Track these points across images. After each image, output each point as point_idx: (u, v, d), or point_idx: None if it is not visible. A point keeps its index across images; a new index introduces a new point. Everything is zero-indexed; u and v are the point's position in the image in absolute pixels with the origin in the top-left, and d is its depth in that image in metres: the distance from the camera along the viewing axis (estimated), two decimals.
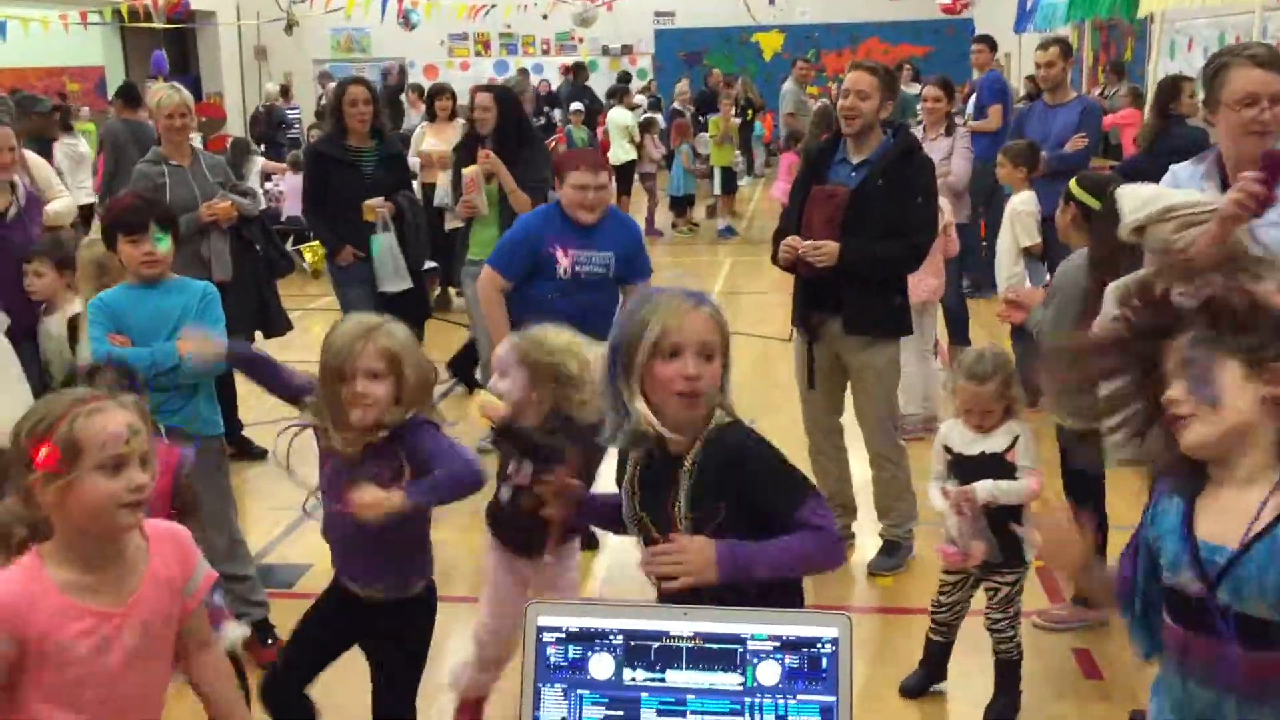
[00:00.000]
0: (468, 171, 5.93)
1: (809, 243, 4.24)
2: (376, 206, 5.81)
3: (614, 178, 13.34)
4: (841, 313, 4.34)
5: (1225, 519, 1.77)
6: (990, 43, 10.50)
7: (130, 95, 8.98)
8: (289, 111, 17.10)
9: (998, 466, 3.40)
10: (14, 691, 1.90)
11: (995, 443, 3.43)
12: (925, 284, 5.81)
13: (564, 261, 4.55)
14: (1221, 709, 1.80)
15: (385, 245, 5.84)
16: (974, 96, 10.44)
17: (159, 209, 3.79)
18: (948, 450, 3.52)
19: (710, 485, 2.10)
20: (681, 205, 13.45)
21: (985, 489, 3.34)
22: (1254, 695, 1.75)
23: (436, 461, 2.69)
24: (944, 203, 5.70)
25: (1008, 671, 3.52)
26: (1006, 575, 3.45)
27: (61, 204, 5.89)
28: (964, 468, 3.46)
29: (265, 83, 19.08)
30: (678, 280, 11.06)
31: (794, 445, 4.01)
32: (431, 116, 9.07)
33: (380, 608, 2.83)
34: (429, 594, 2.91)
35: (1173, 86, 6.84)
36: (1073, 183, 4.23)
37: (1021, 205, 6.03)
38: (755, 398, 6.02)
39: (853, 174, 4.33)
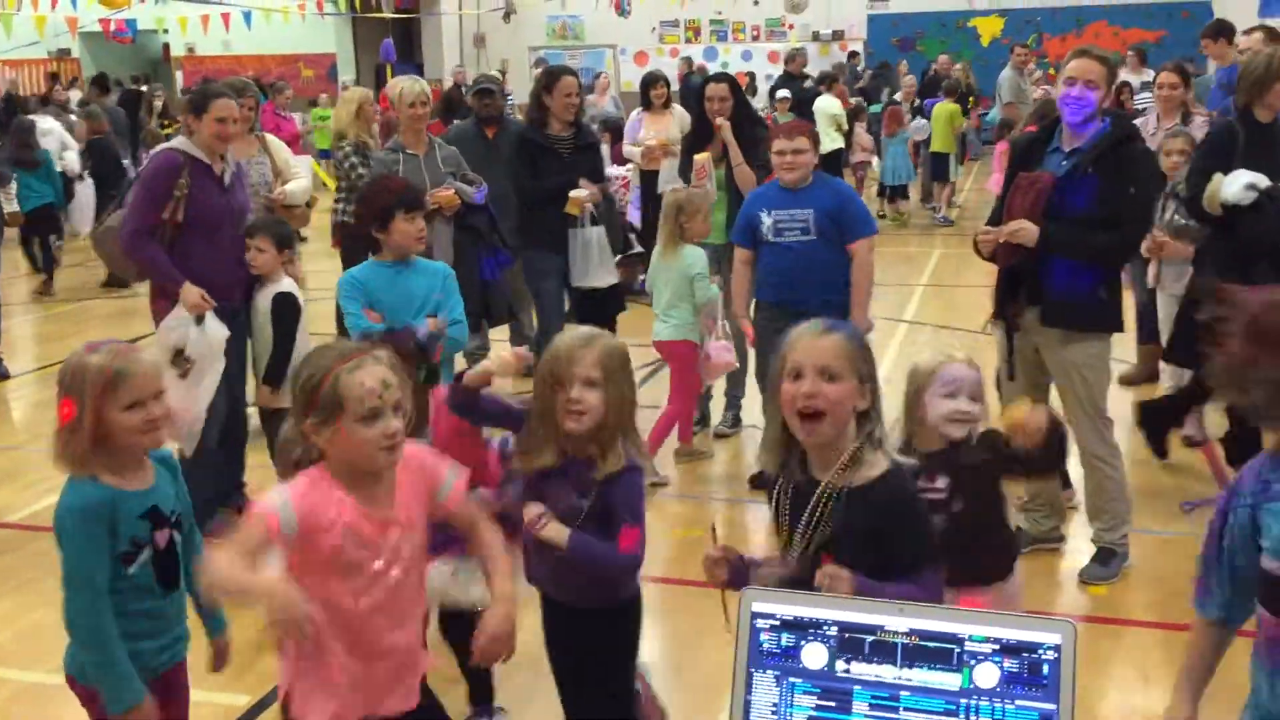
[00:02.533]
0: (699, 158, 5.98)
1: (1009, 225, 4.13)
2: (583, 200, 5.83)
3: (821, 165, 13.23)
4: (1041, 304, 4.19)
5: None
6: (1218, 32, 9.22)
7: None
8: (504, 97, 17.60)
9: None
10: (304, 577, 2.21)
11: None
12: None
13: (767, 221, 4.93)
14: None
15: (586, 240, 5.86)
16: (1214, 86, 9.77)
17: (418, 191, 4.13)
18: None
19: (852, 532, 2.14)
20: (895, 195, 13.25)
21: None
22: None
23: (620, 515, 2.65)
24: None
25: None
26: None
27: (298, 185, 6.25)
28: None
29: (482, 67, 19.71)
30: (882, 271, 10.88)
31: None
32: (647, 105, 9.18)
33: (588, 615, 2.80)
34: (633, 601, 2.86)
35: None
36: None
37: None
38: None
39: (1063, 162, 4.17)
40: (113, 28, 16.34)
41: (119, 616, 2.40)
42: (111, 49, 20.14)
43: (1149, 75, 12.15)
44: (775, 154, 4.90)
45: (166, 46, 22.06)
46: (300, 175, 6.51)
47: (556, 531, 2.61)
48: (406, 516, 2.31)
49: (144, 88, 17.18)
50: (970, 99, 15.25)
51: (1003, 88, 13.50)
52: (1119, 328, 4.35)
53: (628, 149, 8.66)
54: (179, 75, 21.34)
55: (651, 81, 9.03)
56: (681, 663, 3.80)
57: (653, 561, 2.92)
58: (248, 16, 15.71)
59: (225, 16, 15.61)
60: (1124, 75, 13.71)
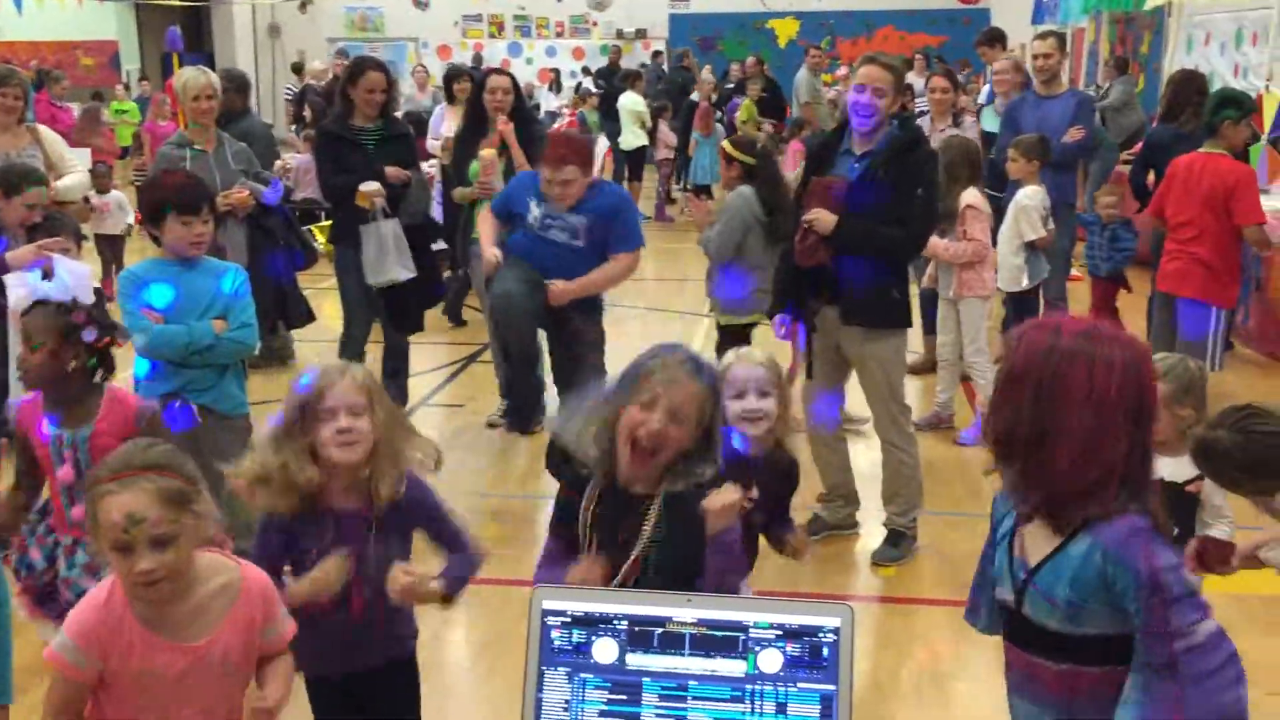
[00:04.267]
0: (486, 154, 5.92)
1: (808, 214, 4.28)
2: (372, 195, 5.62)
3: (625, 164, 13.36)
4: (839, 303, 4.36)
5: (1035, 537, 1.85)
6: (992, 39, 9.94)
7: None
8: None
9: (1178, 500, 2.98)
10: (94, 705, 2.09)
11: (1178, 471, 2.97)
12: (979, 279, 5.76)
13: (535, 212, 4.81)
14: None
15: (376, 235, 5.64)
16: (988, 88, 10.35)
17: (204, 189, 3.83)
18: None
19: (678, 534, 2.20)
20: (699, 192, 13.47)
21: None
22: (1065, 709, 1.81)
23: (445, 528, 2.58)
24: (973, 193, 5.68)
25: None
26: None
27: (73, 179, 5.90)
28: None
29: (277, 62, 19.07)
30: (683, 267, 11.06)
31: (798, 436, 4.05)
32: (450, 99, 9.06)
33: (375, 675, 2.62)
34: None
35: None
36: (727, 144, 5.51)
37: (1027, 200, 6.03)
38: None
39: (854, 165, 4.34)
40: None
41: None
42: None
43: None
44: (544, 180, 4.74)
45: None
46: (76, 169, 6.16)
47: (432, 588, 2.47)
48: (219, 648, 2.11)
49: None
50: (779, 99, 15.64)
51: (799, 88, 13.94)
52: (910, 323, 4.56)
53: (430, 144, 8.54)
54: None
55: (454, 76, 8.92)
56: (493, 667, 3.78)
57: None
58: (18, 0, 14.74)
59: None
60: (911, 78, 14.36)
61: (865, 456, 5.14)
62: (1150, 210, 5.94)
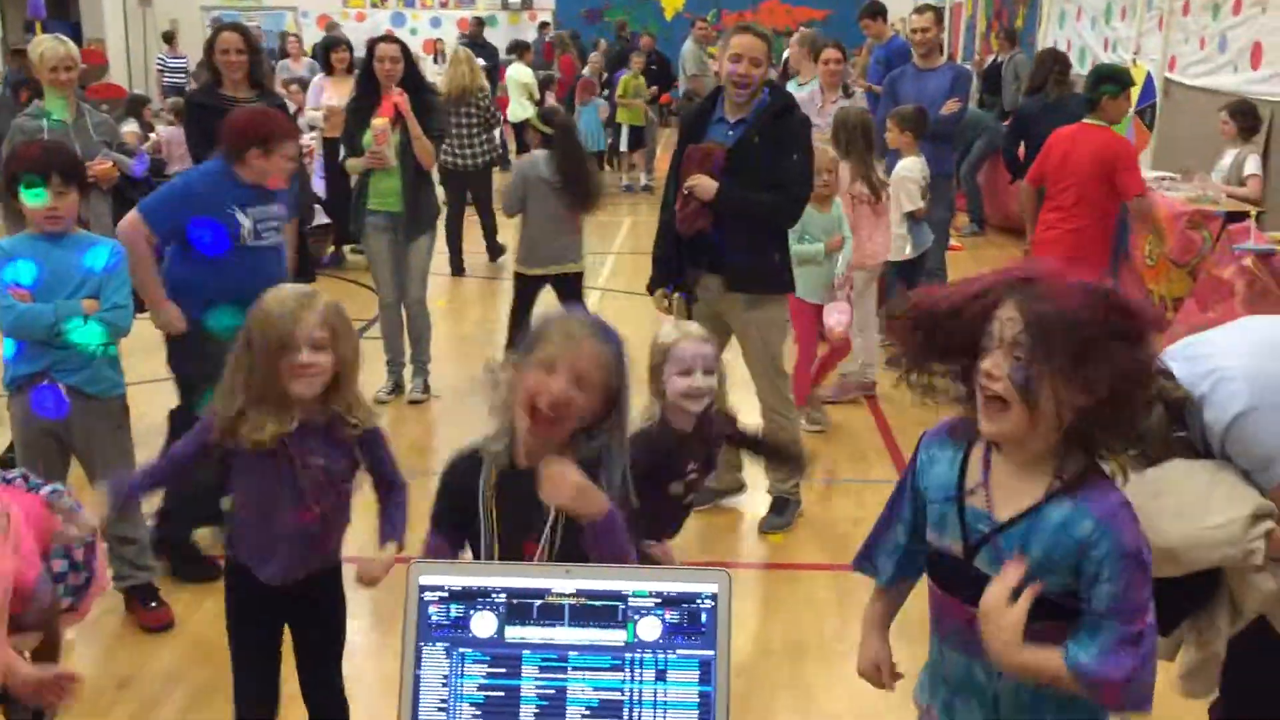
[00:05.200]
0: (377, 123, 5.81)
1: (688, 180, 4.29)
2: None
3: (514, 135, 13.23)
4: (721, 271, 4.39)
5: (1000, 491, 1.83)
6: (874, 13, 10.14)
7: None
8: (173, 60, 16.51)
9: None
10: None
11: None
12: (872, 245, 5.80)
13: (246, 224, 4.11)
14: (972, 674, 1.88)
15: None
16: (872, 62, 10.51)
17: (62, 158, 3.59)
18: None
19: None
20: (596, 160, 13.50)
21: None
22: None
23: (389, 475, 2.80)
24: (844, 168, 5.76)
25: None
26: None
27: None
28: None
29: (148, 30, 18.39)
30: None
31: None
32: (328, 69, 8.85)
33: (303, 587, 2.75)
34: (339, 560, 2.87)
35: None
36: (532, 116, 5.76)
37: (906, 172, 6.15)
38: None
39: (729, 132, 4.38)
40: None
41: None
42: None
43: None
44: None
45: None
46: None
47: (389, 553, 2.72)
48: None
49: None
50: (667, 72, 15.65)
51: (686, 60, 13.97)
52: (792, 288, 4.61)
53: (310, 115, 8.35)
54: None
55: (332, 45, 8.72)
56: (382, 643, 3.73)
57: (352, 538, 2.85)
58: None
59: None
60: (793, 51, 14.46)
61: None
62: (1029, 179, 6.10)
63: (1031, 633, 1.79)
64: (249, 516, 2.69)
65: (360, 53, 7.05)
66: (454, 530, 2.22)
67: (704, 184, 4.29)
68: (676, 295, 4.55)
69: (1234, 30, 9.32)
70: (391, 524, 2.78)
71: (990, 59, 13.12)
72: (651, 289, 4.68)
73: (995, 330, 1.77)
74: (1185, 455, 2.45)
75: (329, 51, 8.76)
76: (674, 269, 4.55)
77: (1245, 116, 7.03)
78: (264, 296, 2.59)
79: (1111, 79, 5.77)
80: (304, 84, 10.29)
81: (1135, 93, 9.08)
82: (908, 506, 2.04)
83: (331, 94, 8.57)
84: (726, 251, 4.36)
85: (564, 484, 2.01)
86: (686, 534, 4.64)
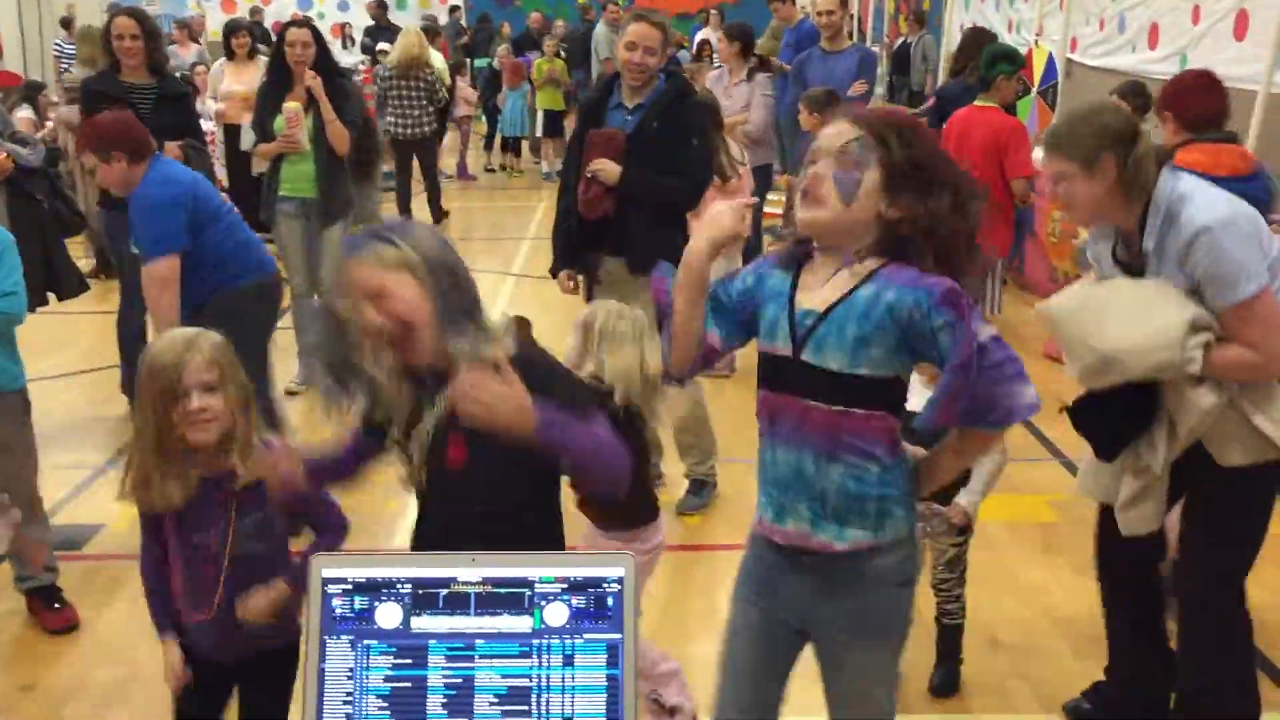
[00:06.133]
0: (290, 107, 5.70)
1: (592, 164, 4.30)
2: None
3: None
4: (624, 254, 4.41)
5: (819, 290, 2.03)
6: None
7: None
8: (70, 46, 15.99)
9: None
10: None
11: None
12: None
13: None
14: (802, 468, 2.04)
15: None
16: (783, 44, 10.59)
17: None
18: None
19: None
20: (517, 146, 13.49)
21: (969, 507, 3.25)
22: (828, 449, 2.01)
23: (316, 512, 2.49)
24: (737, 149, 5.80)
25: (952, 637, 3.46)
26: (957, 537, 3.35)
27: None
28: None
29: (44, 15, 17.83)
30: (490, 224, 10.97)
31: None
32: (230, 55, 8.67)
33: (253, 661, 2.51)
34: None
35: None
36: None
37: None
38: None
39: (628, 118, 4.41)
40: None
41: None
42: None
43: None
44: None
45: None
46: None
47: (277, 591, 2.40)
48: None
49: None
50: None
51: (598, 44, 13.93)
52: None
53: (211, 104, 8.18)
54: None
55: (233, 30, 8.55)
56: None
57: None
58: None
59: None
60: (707, 34, 14.53)
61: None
62: None
63: (859, 420, 1.99)
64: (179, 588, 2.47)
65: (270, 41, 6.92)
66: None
67: (608, 168, 4.30)
68: (580, 278, 4.57)
69: (1132, 11, 9.55)
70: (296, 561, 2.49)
71: (899, 41, 13.30)
72: (554, 272, 4.68)
73: (824, 142, 2.03)
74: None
75: (230, 37, 8.59)
76: (576, 253, 4.56)
77: (1136, 97, 7.18)
78: (149, 345, 2.43)
79: (1005, 59, 5.88)
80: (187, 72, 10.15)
81: (1037, 74, 9.28)
82: (739, 283, 2.18)
83: (233, 80, 8.40)
84: (629, 235, 4.38)
85: (478, 395, 1.88)
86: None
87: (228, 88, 8.37)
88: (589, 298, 4.54)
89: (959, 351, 1.89)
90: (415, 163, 10.31)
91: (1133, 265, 2.78)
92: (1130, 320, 2.64)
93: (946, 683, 3.45)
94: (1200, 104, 3.98)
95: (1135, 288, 2.72)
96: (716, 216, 2.12)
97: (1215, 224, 2.58)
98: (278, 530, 2.46)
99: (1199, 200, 2.63)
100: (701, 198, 4.57)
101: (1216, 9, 8.18)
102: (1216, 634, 2.91)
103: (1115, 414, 2.80)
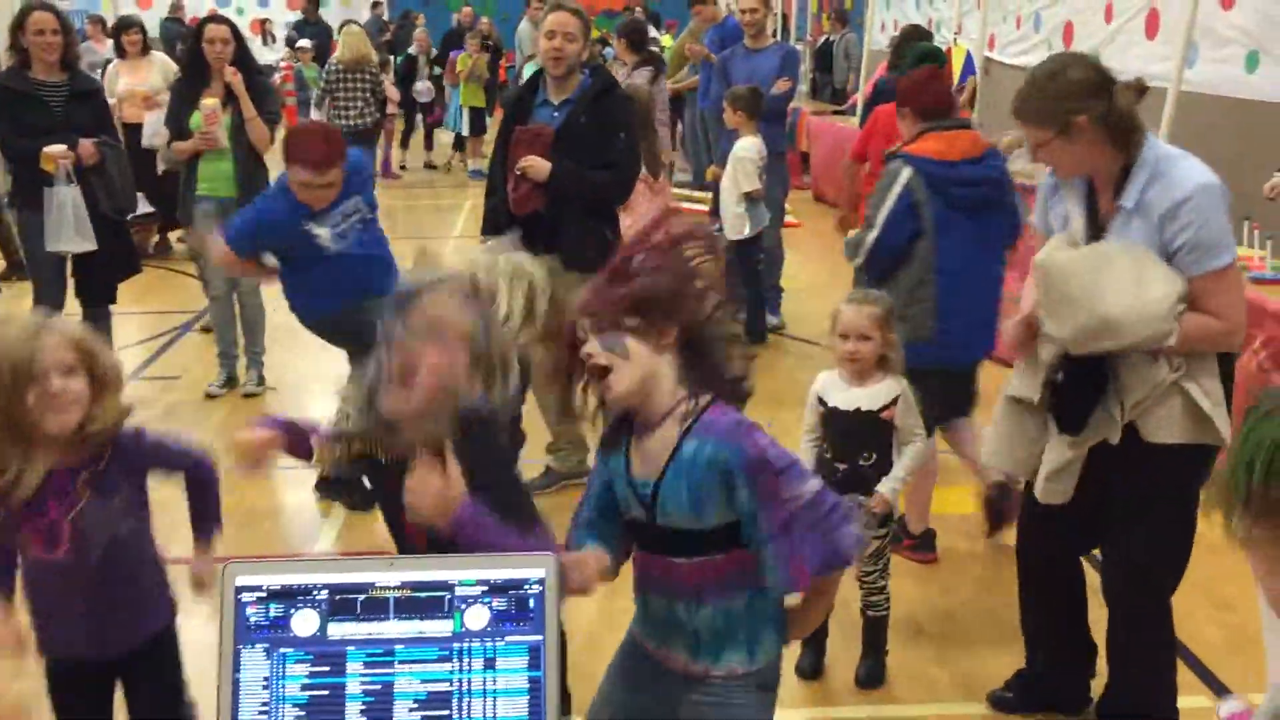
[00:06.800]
0: (208, 103, 5.59)
1: (521, 162, 4.28)
2: (58, 156, 5.24)
3: None
4: (557, 250, 4.40)
5: (648, 457, 2.02)
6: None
7: None
8: None
9: (874, 426, 3.27)
10: None
11: (873, 399, 3.27)
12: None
13: (323, 232, 4.23)
14: (674, 612, 2.07)
15: (60, 201, 5.25)
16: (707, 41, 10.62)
17: None
18: (822, 402, 3.34)
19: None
20: (462, 143, 13.51)
21: (890, 495, 3.30)
22: (696, 596, 2.04)
23: (179, 457, 2.45)
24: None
25: (877, 629, 3.48)
26: (879, 528, 3.37)
27: None
28: (838, 423, 3.31)
29: None
30: (416, 223, 10.87)
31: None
32: (121, 53, 8.49)
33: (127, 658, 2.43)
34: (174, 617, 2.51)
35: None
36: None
37: (744, 151, 6.24)
38: None
39: (555, 114, 4.39)
40: None
41: None
42: None
43: (654, 32, 12.97)
44: (300, 184, 4.18)
45: None
46: None
47: (208, 564, 2.42)
48: None
49: None
50: (499, 52, 15.50)
51: (523, 40, 13.84)
52: None
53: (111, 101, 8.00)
54: None
55: (124, 27, 8.39)
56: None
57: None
58: None
59: None
60: None
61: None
62: (853, 154, 6.26)
63: (720, 565, 2.00)
64: (33, 591, 2.37)
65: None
66: None
67: (537, 165, 4.28)
68: None
69: (1047, 10, 9.74)
70: (204, 511, 2.49)
71: (822, 39, 13.42)
72: None
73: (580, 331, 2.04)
74: None
75: (120, 34, 8.40)
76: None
77: None
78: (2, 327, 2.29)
79: (929, 57, 5.96)
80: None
81: (956, 71, 9.42)
82: (596, 481, 2.19)
83: (128, 79, 8.23)
84: (561, 231, 4.36)
85: (420, 501, 1.95)
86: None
87: (126, 87, 8.20)
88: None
89: (771, 520, 1.93)
90: None
91: (1102, 224, 2.74)
92: (1129, 287, 2.60)
93: (872, 674, 3.48)
94: (930, 96, 4.15)
95: (1127, 254, 2.66)
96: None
97: (1209, 186, 2.58)
98: (138, 509, 2.38)
99: (1190, 161, 2.61)
100: (631, 191, 4.58)
101: (1128, 8, 8.38)
102: (1142, 626, 2.95)
103: (1088, 385, 2.79)
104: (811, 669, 3.49)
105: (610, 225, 4.52)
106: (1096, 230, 2.77)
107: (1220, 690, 3.39)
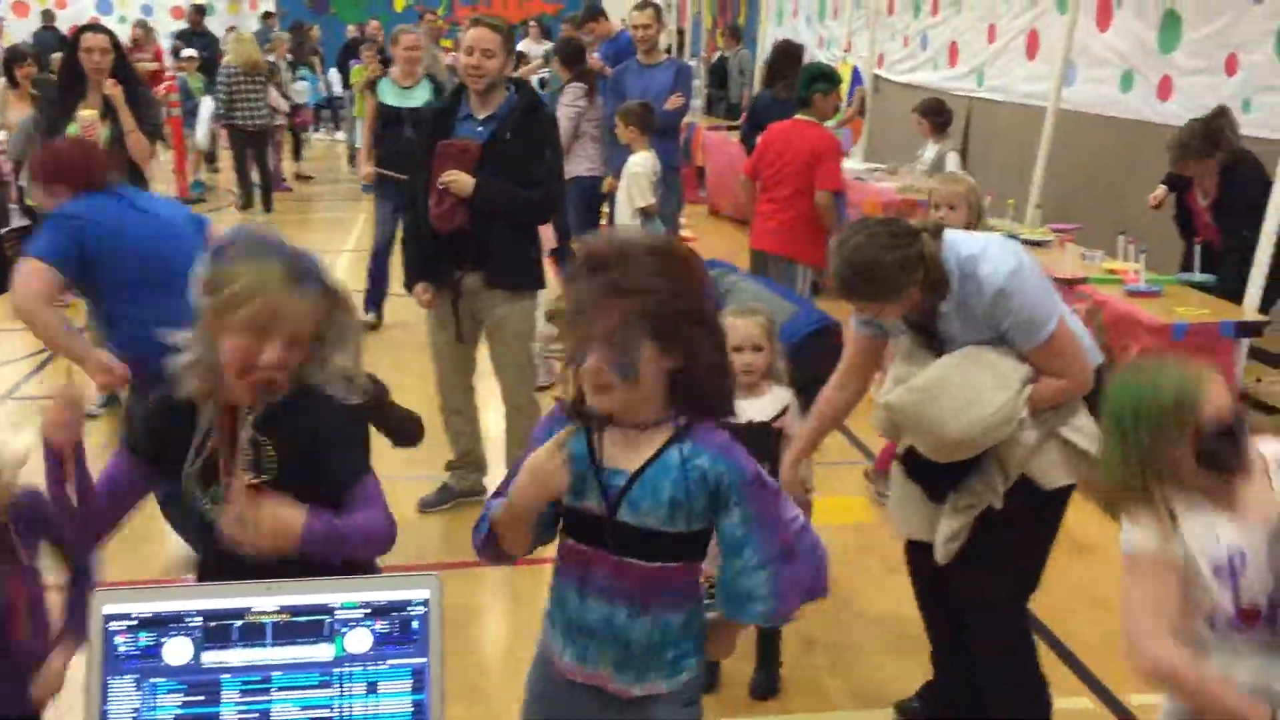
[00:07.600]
0: (85, 115, 5.42)
1: (444, 176, 4.24)
2: None
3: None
4: (484, 267, 4.36)
5: (626, 450, 1.97)
6: (594, 16, 10.34)
7: None
8: None
9: (765, 437, 3.28)
10: None
11: (763, 410, 3.30)
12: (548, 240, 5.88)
13: None
14: (613, 619, 2.00)
15: None
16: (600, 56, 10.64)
17: None
18: None
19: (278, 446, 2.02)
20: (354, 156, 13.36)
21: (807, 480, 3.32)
22: (643, 602, 2.00)
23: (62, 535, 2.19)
24: None
25: (770, 641, 3.50)
26: None
27: None
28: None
29: None
30: (307, 236, 10.67)
31: (426, 406, 3.99)
32: (13, 83, 8.23)
33: None
34: None
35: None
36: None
37: (638, 167, 6.25)
38: (394, 357, 5.99)
39: (479, 129, 4.34)
40: None
41: None
42: None
43: (548, 45, 12.98)
44: None
45: None
46: None
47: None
48: None
49: None
50: (389, 64, 15.32)
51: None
52: (544, 284, 4.63)
53: None
54: None
55: (16, 58, 8.21)
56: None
57: None
58: None
59: None
60: (527, 45, 14.53)
61: (494, 425, 5.18)
62: (746, 171, 6.32)
63: (675, 574, 1.98)
64: None
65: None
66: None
67: (461, 180, 4.22)
68: (436, 290, 4.48)
69: (934, 30, 9.99)
70: (72, 615, 2.20)
71: (716, 55, 13.55)
72: (409, 286, 4.58)
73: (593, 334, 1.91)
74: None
75: (12, 65, 8.13)
76: (432, 266, 4.46)
77: (935, 114, 7.51)
78: None
79: (823, 77, 6.05)
80: None
81: (844, 89, 9.60)
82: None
83: (19, 113, 7.95)
84: (486, 248, 4.34)
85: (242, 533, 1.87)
86: (429, 536, 4.58)
87: (15, 116, 7.93)
88: (454, 310, 4.47)
89: (771, 544, 1.93)
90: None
91: (925, 324, 2.88)
92: (963, 409, 2.73)
93: (767, 685, 3.50)
94: None
95: (958, 372, 2.79)
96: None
97: (1016, 270, 2.71)
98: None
99: (990, 256, 2.73)
100: (555, 209, 4.57)
101: (1010, 29, 8.64)
102: (1005, 640, 3.03)
103: (946, 464, 2.89)
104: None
105: (533, 243, 4.50)
106: (926, 334, 2.90)
107: (1100, 691, 3.48)
